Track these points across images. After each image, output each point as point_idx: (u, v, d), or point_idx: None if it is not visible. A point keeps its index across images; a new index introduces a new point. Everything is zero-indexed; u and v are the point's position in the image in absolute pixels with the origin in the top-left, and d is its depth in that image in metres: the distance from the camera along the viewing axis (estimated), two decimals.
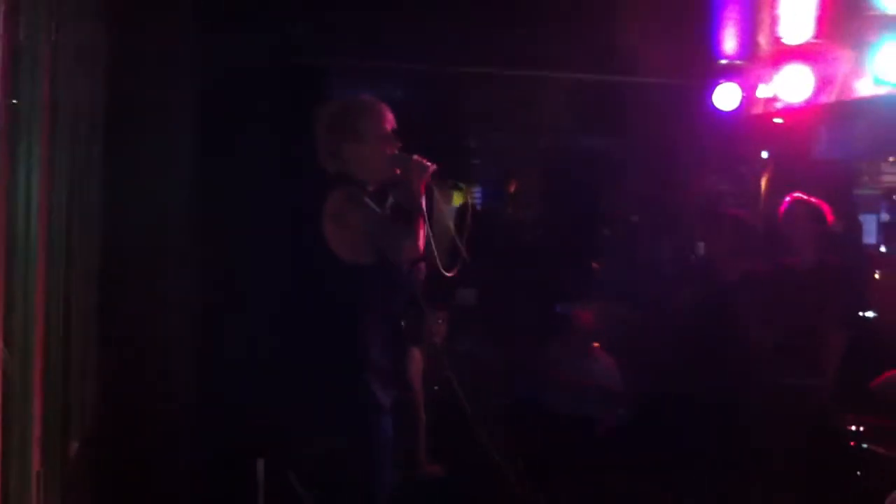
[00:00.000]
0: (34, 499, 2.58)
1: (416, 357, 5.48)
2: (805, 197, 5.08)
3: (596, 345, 6.12)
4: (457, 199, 3.53)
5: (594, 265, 7.67)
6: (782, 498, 4.88)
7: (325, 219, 3.27)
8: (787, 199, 5.14)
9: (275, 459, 4.31)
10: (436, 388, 5.55)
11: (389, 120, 3.44)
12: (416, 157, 3.34)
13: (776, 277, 5.09)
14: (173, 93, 5.04)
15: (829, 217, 5.03)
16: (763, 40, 6.33)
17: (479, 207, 9.52)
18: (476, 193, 9.91)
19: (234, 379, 5.23)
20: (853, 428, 4.77)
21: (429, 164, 3.35)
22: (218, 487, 4.86)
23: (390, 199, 3.42)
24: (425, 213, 3.28)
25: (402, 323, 3.42)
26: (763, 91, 6.34)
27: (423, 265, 3.37)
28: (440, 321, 5.79)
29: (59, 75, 3.01)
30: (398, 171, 3.35)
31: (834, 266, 5.01)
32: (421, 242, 3.24)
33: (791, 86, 6.03)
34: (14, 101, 2.34)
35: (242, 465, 4.48)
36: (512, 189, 8.71)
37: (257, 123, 5.97)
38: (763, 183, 6.76)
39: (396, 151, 3.40)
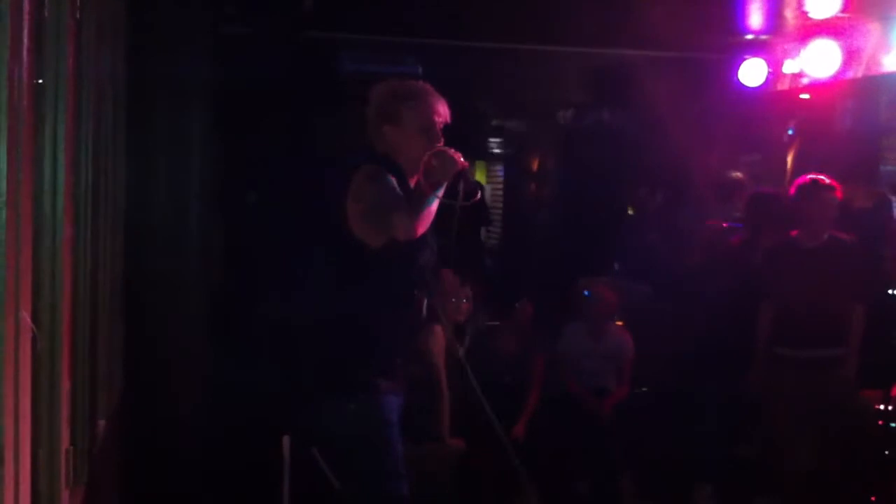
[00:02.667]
0: (63, 476, 2.60)
1: (439, 334, 5.48)
2: (816, 175, 5.07)
3: (619, 323, 6.08)
4: (480, 178, 3.50)
5: (617, 241, 7.64)
6: (806, 475, 4.86)
7: (349, 197, 3.26)
8: (803, 179, 5.13)
9: (297, 436, 4.32)
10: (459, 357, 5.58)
11: (440, 113, 3.39)
12: (452, 151, 3.28)
13: (788, 253, 5.08)
14: (193, 71, 5.04)
15: (840, 195, 5.01)
16: (789, 15, 6.25)
17: (501, 185, 9.51)
18: (498, 171, 9.89)
19: (254, 356, 5.26)
20: (881, 407, 4.75)
21: (462, 161, 3.29)
22: (243, 463, 4.89)
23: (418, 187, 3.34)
24: (435, 203, 3.22)
25: (417, 301, 3.40)
26: (789, 66, 6.28)
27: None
28: (464, 300, 5.78)
29: (84, 53, 3.01)
30: (434, 163, 3.28)
31: (846, 242, 5.00)
32: (421, 223, 3.17)
33: (818, 61, 5.97)
34: (39, 81, 2.33)
35: (268, 440, 4.50)
36: (535, 166, 8.69)
37: (277, 102, 5.97)
38: (789, 159, 6.70)
39: (438, 146, 3.33)
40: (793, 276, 5.01)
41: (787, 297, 5.03)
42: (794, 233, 5.08)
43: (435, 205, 3.22)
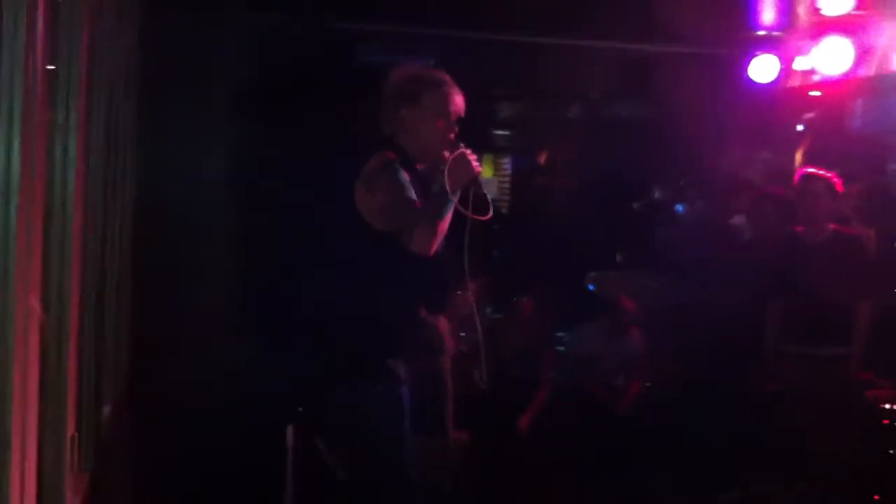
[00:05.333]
0: (68, 463, 2.60)
1: (445, 326, 5.48)
2: (815, 170, 5.06)
3: (635, 329, 6.06)
4: (487, 172, 3.49)
5: (623, 237, 7.63)
6: (813, 474, 4.85)
7: (358, 180, 3.24)
8: (799, 173, 5.13)
9: (304, 425, 4.33)
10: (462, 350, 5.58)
11: (457, 104, 3.39)
12: (465, 149, 3.28)
13: (792, 248, 5.07)
14: (207, 58, 5.04)
15: (840, 188, 4.99)
16: (802, 11, 6.22)
17: (509, 178, 9.49)
18: (506, 164, 9.87)
19: (263, 344, 5.26)
20: (888, 406, 4.74)
21: (476, 164, 3.29)
22: (247, 452, 4.89)
23: (436, 186, 3.34)
24: (449, 213, 3.21)
25: (425, 291, 3.40)
26: (801, 63, 6.25)
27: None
28: (469, 293, 5.78)
29: (98, 39, 3.00)
30: (446, 155, 3.28)
31: (851, 237, 4.99)
32: (434, 240, 3.17)
33: (830, 58, 5.94)
34: (51, 67, 2.33)
35: (271, 430, 4.51)
36: (543, 160, 8.67)
37: (293, 88, 5.95)
38: (799, 157, 6.68)
39: (452, 137, 3.34)
40: (797, 272, 4.99)
41: (792, 293, 5.02)
42: (799, 229, 5.07)
43: (450, 215, 3.21)
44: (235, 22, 5.40)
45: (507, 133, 9.28)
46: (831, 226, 5.02)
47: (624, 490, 5.57)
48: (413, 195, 3.22)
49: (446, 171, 3.23)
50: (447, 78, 3.43)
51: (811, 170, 5.10)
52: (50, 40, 2.16)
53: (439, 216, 3.19)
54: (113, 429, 3.64)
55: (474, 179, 3.27)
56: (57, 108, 2.41)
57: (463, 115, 3.41)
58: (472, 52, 6.62)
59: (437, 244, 3.19)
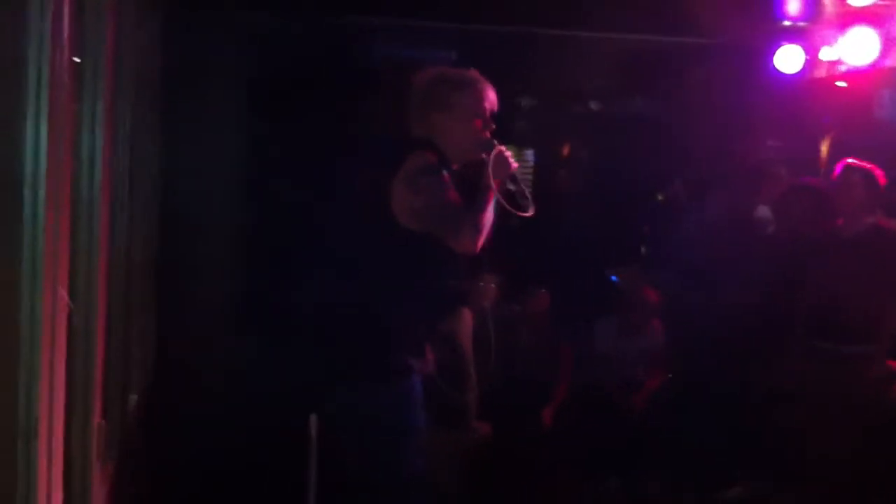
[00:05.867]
0: (94, 451, 2.63)
1: (466, 318, 5.49)
2: (857, 162, 4.97)
3: (657, 322, 6.03)
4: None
5: (646, 229, 7.60)
6: (837, 472, 4.81)
7: (397, 179, 3.20)
8: (840, 164, 5.04)
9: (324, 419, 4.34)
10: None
11: (490, 100, 3.35)
12: (502, 148, 3.25)
13: (828, 241, 5.00)
14: (228, 56, 5.06)
15: (882, 181, 4.92)
16: (828, 1, 6.17)
17: (531, 170, 9.48)
18: (528, 156, 9.85)
19: (283, 334, 5.29)
20: None
21: (513, 162, 3.28)
22: (271, 443, 4.92)
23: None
24: (493, 209, 3.20)
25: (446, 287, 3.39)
26: (827, 54, 6.20)
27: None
28: (491, 284, 5.79)
29: (122, 34, 3.03)
30: (483, 156, 3.25)
31: (890, 230, 4.90)
32: (480, 238, 3.16)
33: (856, 48, 5.89)
34: (77, 60, 2.35)
35: (296, 420, 4.53)
36: (566, 152, 8.65)
37: (310, 87, 5.97)
38: (825, 148, 6.63)
39: (488, 134, 3.32)
40: (830, 266, 4.92)
41: (823, 287, 4.94)
42: (839, 221, 4.98)
43: (492, 214, 3.20)
44: (256, 18, 5.42)
45: (529, 126, 9.27)
46: (872, 219, 4.91)
47: (635, 488, 5.58)
48: (456, 197, 3.21)
49: (489, 171, 3.20)
50: (476, 75, 3.38)
51: (852, 161, 4.99)
52: (76, 34, 2.18)
53: (483, 215, 3.17)
54: (138, 418, 3.68)
55: (512, 176, 3.26)
56: (83, 101, 2.43)
57: (496, 109, 3.38)
58: (496, 45, 6.62)
59: (482, 242, 3.18)
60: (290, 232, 5.75)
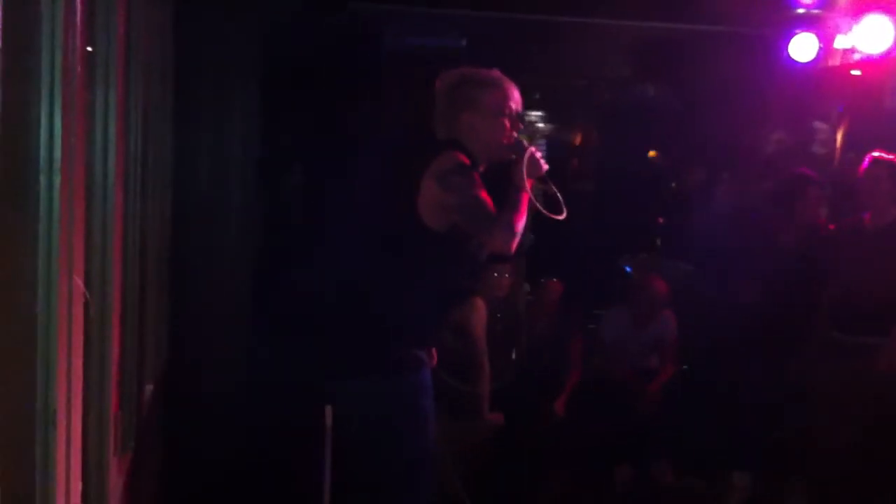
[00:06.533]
0: (112, 443, 2.63)
1: (480, 309, 5.49)
2: (885, 155, 4.93)
3: (668, 312, 6.01)
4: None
5: (659, 219, 7.58)
6: (852, 464, 4.78)
7: (426, 176, 3.15)
8: (867, 157, 4.99)
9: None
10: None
11: (515, 100, 3.32)
12: (532, 150, 3.20)
13: (853, 233, 4.96)
14: (240, 44, 5.05)
15: None
16: None
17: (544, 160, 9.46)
18: (541, 146, 9.84)
19: (296, 325, 5.28)
20: None
21: (544, 164, 3.24)
22: (286, 433, 4.93)
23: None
24: (527, 210, 3.17)
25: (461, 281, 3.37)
26: (841, 42, 6.16)
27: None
28: (506, 274, 5.78)
29: (133, 23, 3.02)
30: (513, 157, 3.21)
31: None
32: (515, 239, 3.11)
33: (870, 37, 5.85)
34: (89, 49, 2.35)
35: (310, 411, 4.53)
36: (578, 141, 8.63)
37: (320, 76, 5.95)
38: (839, 137, 6.59)
39: (516, 135, 3.29)
40: (853, 258, 4.88)
41: (845, 278, 4.90)
42: (867, 215, 4.95)
43: (526, 215, 3.16)
44: (269, 5, 5.40)
45: (541, 114, 9.25)
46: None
47: (647, 476, 5.56)
48: (488, 197, 3.18)
49: (523, 172, 3.16)
50: (499, 74, 3.35)
51: (878, 154, 4.95)
52: (88, 23, 2.18)
53: (517, 216, 3.13)
54: (153, 409, 3.68)
55: (543, 178, 3.24)
56: (96, 89, 2.43)
57: (521, 109, 3.35)
58: (506, 34, 6.59)
59: (517, 242, 3.15)
60: (304, 222, 5.74)
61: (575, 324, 6.12)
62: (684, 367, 6.01)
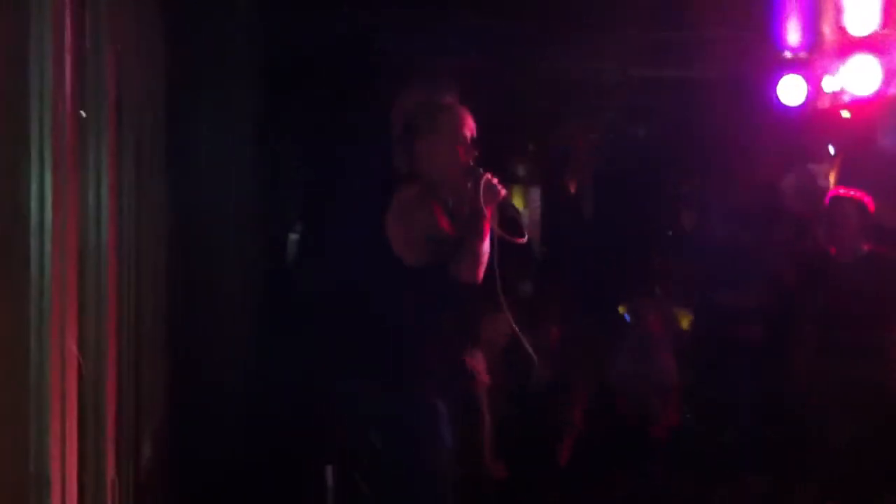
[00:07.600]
0: None
1: (480, 355, 5.46)
2: (846, 190, 5.03)
3: (666, 354, 6.01)
4: (518, 203, 3.49)
5: (657, 263, 7.59)
6: (855, 463, 4.78)
7: (389, 214, 3.21)
8: (829, 193, 5.10)
9: (341, 461, 4.31)
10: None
11: (469, 126, 3.34)
12: (488, 176, 3.23)
13: (822, 266, 5.03)
14: (235, 83, 5.02)
15: (871, 208, 4.94)
16: (828, 31, 6.19)
17: (539, 209, 9.49)
18: (536, 196, 9.86)
19: (296, 377, 5.25)
20: None
21: (501, 189, 3.27)
22: (287, 489, 4.88)
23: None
24: (488, 236, 3.20)
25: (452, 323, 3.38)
26: (829, 84, 6.21)
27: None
28: (507, 314, 5.74)
29: (123, 79, 3.03)
30: (469, 185, 3.24)
31: (885, 256, 4.92)
32: (481, 267, 3.16)
33: (858, 78, 5.90)
34: (82, 113, 2.35)
35: (309, 466, 4.49)
36: (573, 189, 8.64)
37: (320, 87, 5.92)
38: (831, 179, 6.62)
39: (472, 161, 3.31)
40: (828, 291, 4.93)
41: (823, 310, 4.95)
42: (832, 250, 5.02)
43: (488, 241, 3.18)
44: (268, 15, 5.37)
45: (534, 164, 9.27)
46: (866, 247, 4.94)
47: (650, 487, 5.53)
48: (449, 227, 3.20)
49: (481, 199, 3.19)
50: (454, 101, 3.39)
51: (841, 191, 5.05)
52: (78, 87, 2.18)
53: (480, 243, 3.16)
54: (152, 468, 3.64)
55: (502, 203, 3.26)
56: (88, 151, 2.43)
57: (475, 133, 3.36)
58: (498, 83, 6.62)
59: (482, 270, 3.17)
60: (305, 222, 5.63)
61: (575, 367, 6.11)
62: (687, 415, 5.99)
